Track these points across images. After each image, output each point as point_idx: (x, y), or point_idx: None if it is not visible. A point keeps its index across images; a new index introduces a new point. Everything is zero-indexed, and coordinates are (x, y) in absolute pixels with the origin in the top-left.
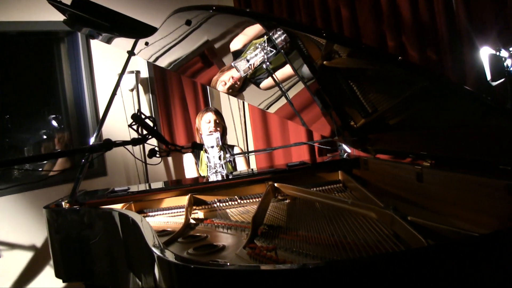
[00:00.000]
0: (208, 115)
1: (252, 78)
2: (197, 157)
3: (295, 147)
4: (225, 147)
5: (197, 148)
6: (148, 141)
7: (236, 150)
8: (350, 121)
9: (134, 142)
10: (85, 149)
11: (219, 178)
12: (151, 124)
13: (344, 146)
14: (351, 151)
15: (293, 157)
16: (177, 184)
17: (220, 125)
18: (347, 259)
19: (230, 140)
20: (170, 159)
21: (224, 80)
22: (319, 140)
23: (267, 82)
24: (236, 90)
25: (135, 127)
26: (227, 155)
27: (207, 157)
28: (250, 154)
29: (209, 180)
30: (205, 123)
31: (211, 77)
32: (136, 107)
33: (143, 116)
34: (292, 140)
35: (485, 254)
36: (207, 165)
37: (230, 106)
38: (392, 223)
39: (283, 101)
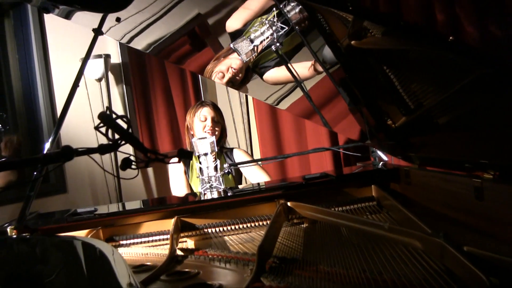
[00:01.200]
0: (204, 110)
1: (257, 65)
2: (187, 164)
3: (314, 155)
4: (223, 152)
5: (184, 157)
6: (121, 148)
7: (237, 153)
8: (386, 120)
9: (102, 149)
10: (37, 159)
11: (215, 195)
12: (124, 125)
13: (379, 153)
14: (388, 159)
15: (312, 167)
16: (160, 204)
17: (219, 124)
18: None
19: (230, 141)
20: (150, 171)
21: (221, 70)
22: (346, 145)
23: (273, 74)
24: (237, 82)
25: (103, 129)
26: (226, 165)
27: (199, 167)
28: (255, 163)
29: (202, 199)
30: (199, 120)
31: (203, 62)
32: (106, 103)
33: (114, 115)
34: (310, 145)
35: None
36: (198, 178)
37: (229, 101)
38: (443, 255)
39: (298, 93)
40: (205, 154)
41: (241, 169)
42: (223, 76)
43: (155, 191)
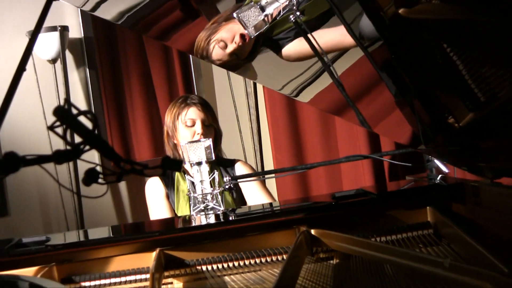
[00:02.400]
0: (191, 112)
1: (269, 40)
2: (168, 182)
3: (347, 165)
4: (220, 164)
5: (171, 168)
6: (84, 155)
7: (240, 168)
8: (447, 118)
9: (59, 157)
10: None
11: (212, 219)
12: (89, 124)
13: (437, 162)
14: (449, 171)
15: (344, 181)
16: (136, 231)
17: (211, 128)
18: None
19: (229, 152)
20: (123, 186)
21: (223, 38)
22: (391, 151)
23: (296, 46)
24: (241, 58)
25: (59, 130)
26: (226, 179)
27: (190, 181)
28: (266, 176)
29: (194, 224)
30: (184, 126)
31: (196, 38)
32: (62, 94)
33: (74, 111)
34: (341, 151)
35: None
36: (188, 197)
37: (231, 91)
38: None
39: (325, 81)
40: (199, 164)
41: (242, 188)
42: (225, 46)
43: (130, 214)
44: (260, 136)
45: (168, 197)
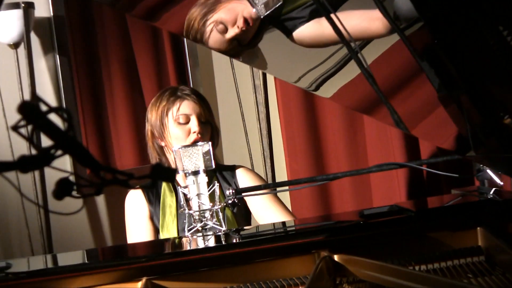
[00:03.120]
0: (185, 105)
1: (278, 20)
2: (152, 196)
3: (378, 176)
4: (217, 173)
5: (163, 179)
6: (54, 162)
7: (242, 176)
8: (502, 118)
9: (24, 164)
10: None
11: (211, 242)
12: (60, 124)
13: (489, 173)
14: (502, 183)
15: (375, 196)
16: (118, 256)
17: (208, 125)
18: None
19: (232, 158)
20: (101, 201)
21: (222, 20)
22: (433, 159)
23: (311, 29)
24: (243, 44)
25: (24, 130)
26: (228, 192)
27: (183, 193)
28: (278, 189)
29: (189, 248)
30: (176, 124)
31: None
32: (27, 87)
33: (44, 108)
34: (371, 159)
35: None
36: (175, 216)
37: (235, 84)
38: None
39: (351, 71)
40: (195, 173)
41: (249, 203)
42: (225, 30)
43: (110, 234)
44: (271, 140)
45: (151, 217)
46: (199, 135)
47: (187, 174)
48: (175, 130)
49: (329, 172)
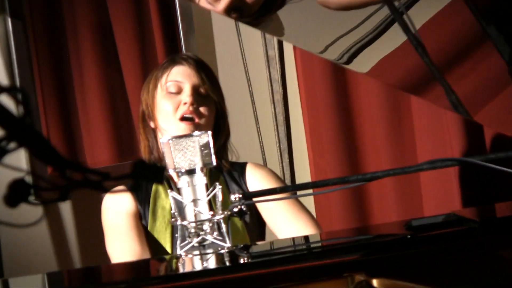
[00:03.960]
0: (177, 71)
1: None
2: (141, 197)
3: (430, 175)
4: (223, 171)
5: (148, 179)
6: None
7: (253, 174)
8: None
9: None
10: None
11: (211, 262)
12: (13, 109)
13: None
14: None
15: (425, 201)
16: (88, 281)
17: (210, 102)
18: None
19: (243, 150)
20: (66, 209)
21: None
22: (502, 153)
23: None
24: (248, 13)
25: None
26: (234, 197)
27: (175, 200)
28: (299, 193)
29: (183, 271)
30: (166, 94)
31: None
32: None
33: None
34: (421, 153)
35: None
36: (169, 221)
37: (242, 55)
38: None
39: (394, 39)
40: (190, 172)
41: (261, 210)
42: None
43: (77, 253)
44: (289, 128)
45: (140, 217)
46: (192, 109)
47: (180, 174)
48: (162, 103)
49: (365, 170)
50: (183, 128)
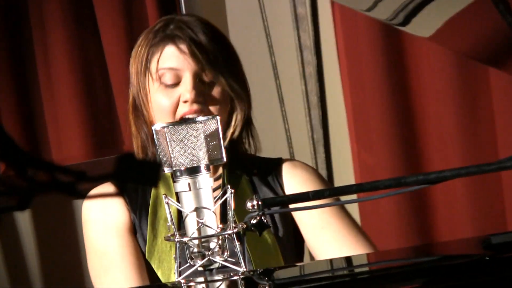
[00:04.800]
0: (169, 53)
1: None
2: (135, 203)
3: None
4: (246, 170)
5: (140, 182)
6: None
7: (292, 175)
8: None
9: None
10: None
11: None
12: None
13: None
14: None
15: (509, 209)
16: None
17: (221, 90)
18: None
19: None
20: (24, 220)
21: None
22: None
23: None
24: None
25: None
26: (250, 203)
27: (172, 209)
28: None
29: None
30: (157, 84)
31: None
32: None
33: None
34: (503, 148)
35: None
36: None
37: (262, 16)
38: None
39: None
40: (192, 172)
41: (299, 223)
42: None
43: (39, 276)
44: (326, 115)
45: (134, 231)
46: (196, 107)
47: (178, 174)
48: (156, 97)
49: (427, 169)
50: None
